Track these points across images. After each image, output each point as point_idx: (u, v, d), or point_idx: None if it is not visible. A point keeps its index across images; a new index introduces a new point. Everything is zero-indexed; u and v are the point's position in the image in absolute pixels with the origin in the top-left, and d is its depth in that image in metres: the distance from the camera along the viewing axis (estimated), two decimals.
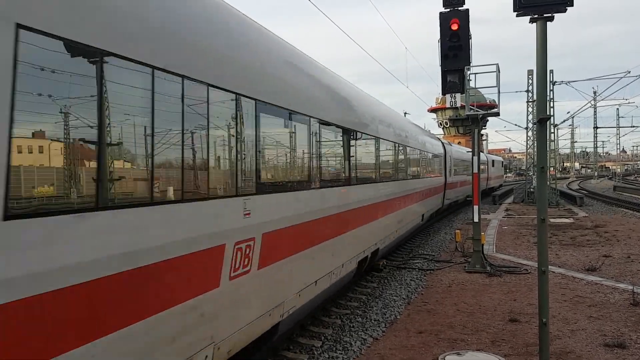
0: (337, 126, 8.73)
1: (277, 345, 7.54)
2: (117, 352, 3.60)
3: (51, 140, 3.27)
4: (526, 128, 39.25)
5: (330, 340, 8.20)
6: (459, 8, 9.15)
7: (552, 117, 34.91)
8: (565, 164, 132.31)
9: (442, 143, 25.32)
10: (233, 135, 5.23)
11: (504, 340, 8.05)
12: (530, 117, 37.31)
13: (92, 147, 3.51)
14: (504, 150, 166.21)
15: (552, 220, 24.42)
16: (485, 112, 14.56)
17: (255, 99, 5.57)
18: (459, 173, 29.00)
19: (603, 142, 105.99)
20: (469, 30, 9.23)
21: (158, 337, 4.09)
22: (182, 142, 4.37)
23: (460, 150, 31.72)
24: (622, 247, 16.61)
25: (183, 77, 4.34)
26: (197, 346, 4.60)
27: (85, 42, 3.36)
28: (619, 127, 67.87)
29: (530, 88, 36.03)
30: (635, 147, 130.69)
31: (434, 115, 77.31)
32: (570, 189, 53.54)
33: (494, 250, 16.43)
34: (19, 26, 2.91)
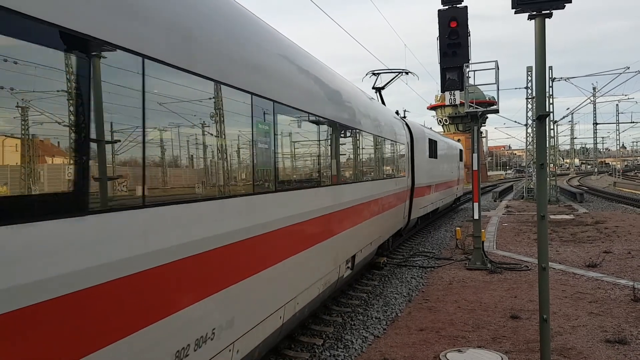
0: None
1: (278, 345, 7.56)
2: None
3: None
4: (526, 125, 39.27)
5: (331, 338, 8.21)
6: (458, 5, 9.16)
7: (551, 114, 34.91)
8: (565, 160, 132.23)
9: None
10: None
11: (504, 337, 8.07)
12: (529, 113, 37.32)
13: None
14: (504, 147, 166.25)
15: (552, 216, 24.44)
16: (485, 109, 14.55)
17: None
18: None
19: (603, 138, 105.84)
20: (467, 27, 9.23)
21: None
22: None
23: None
24: (623, 243, 16.62)
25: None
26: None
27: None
28: (618, 123, 67.81)
29: (529, 85, 36.02)
30: (635, 143, 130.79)
31: (433, 112, 77.43)
32: (571, 186, 53.58)
33: (495, 247, 16.44)
34: None
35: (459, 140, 38.15)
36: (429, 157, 19.08)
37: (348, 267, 9.66)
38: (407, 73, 17.98)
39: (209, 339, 4.45)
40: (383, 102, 17.55)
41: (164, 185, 4.13)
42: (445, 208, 26.88)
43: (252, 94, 5.35)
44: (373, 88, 18.06)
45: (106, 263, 3.26)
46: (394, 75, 17.94)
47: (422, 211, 18.32)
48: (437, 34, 9.46)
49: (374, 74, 17.75)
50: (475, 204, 13.63)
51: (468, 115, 13.88)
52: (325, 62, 9.01)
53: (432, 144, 20.15)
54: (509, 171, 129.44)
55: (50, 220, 2.85)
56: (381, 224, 12.26)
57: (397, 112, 17.59)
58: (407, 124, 17.64)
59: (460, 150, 31.85)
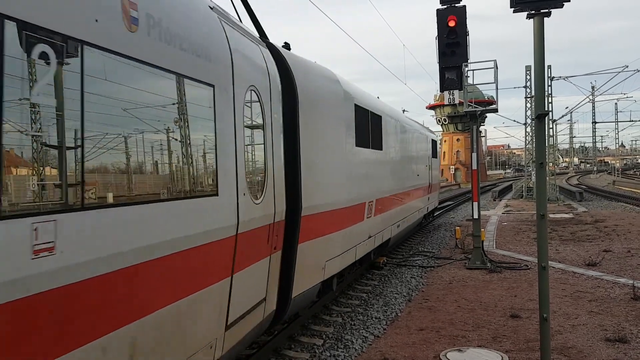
0: None
1: (278, 345, 7.56)
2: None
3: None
4: (525, 124, 39.28)
5: (331, 338, 8.20)
6: (456, 5, 9.16)
7: (550, 113, 34.92)
8: (564, 159, 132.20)
9: None
10: None
11: (505, 336, 8.07)
12: (528, 113, 37.32)
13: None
14: (503, 146, 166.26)
15: (551, 215, 24.45)
16: (484, 108, 14.55)
17: None
18: None
19: (602, 136, 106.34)
20: (466, 26, 9.24)
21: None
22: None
23: None
24: (622, 241, 16.63)
25: None
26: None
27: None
28: (617, 121, 67.92)
29: (528, 84, 36.03)
30: (634, 142, 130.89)
31: (432, 112, 77.47)
32: (570, 185, 53.59)
33: (494, 246, 16.44)
34: None
35: (458, 140, 37.55)
36: (359, 145, 9.51)
37: None
38: None
39: None
40: (254, 18, 7.60)
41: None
42: (408, 232, 16.93)
43: None
44: None
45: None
46: None
47: (334, 266, 8.41)
48: (436, 34, 9.47)
49: None
50: (475, 204, 13.64)
51: (467, 114, 13.88)
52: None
53: (369, 118, 10.24)
54: (508, 170, 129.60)
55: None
56: None
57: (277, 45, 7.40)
58: (273, 48, 6.93)
59: (433, 141, 20.76)
